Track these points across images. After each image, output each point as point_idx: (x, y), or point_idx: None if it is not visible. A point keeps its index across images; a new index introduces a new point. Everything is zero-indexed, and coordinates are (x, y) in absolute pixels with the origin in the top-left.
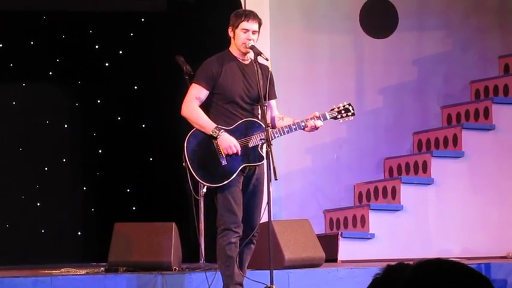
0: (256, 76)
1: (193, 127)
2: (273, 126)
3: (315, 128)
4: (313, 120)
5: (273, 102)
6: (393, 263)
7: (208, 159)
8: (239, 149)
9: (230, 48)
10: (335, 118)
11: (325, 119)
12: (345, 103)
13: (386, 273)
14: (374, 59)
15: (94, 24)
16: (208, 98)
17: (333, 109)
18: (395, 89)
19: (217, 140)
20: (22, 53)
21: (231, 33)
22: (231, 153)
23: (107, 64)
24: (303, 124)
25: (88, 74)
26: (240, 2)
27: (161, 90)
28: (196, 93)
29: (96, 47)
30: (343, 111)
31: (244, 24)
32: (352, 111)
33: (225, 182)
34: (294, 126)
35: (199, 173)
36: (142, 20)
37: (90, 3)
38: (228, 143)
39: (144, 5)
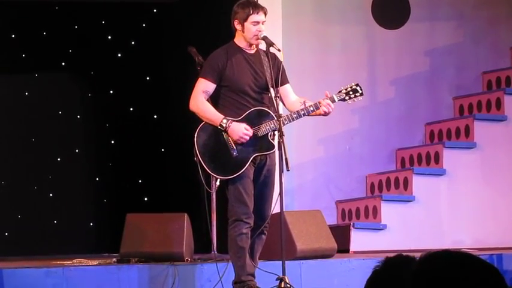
0: (263, 65)
1: (202, 121)
2: (292, 111)
3: (330, 106)
4: (326, 99)
5: (287, 87)
6: (392, 255)
7: (219, 151)
8: (250, 133)
9: (235, 40)
10: (343, 100)
11: (333, 101)
12: (353, 84)
13: (385, 265)
14: (386, 49)
15: (106, 15)
16: (217, 90)
17: (340, 91)
18: (407, 80)
19: (228, 131)
20: (34, 43)
21: (238, 26)
22: (244, 141)
23: (119, 55)
24: (312, 109)
25: (100, 64)
26: None
27: (173, 81)
28: (203, 87)
29: (109, 37)
30: (351, 92)
31: (254, 17)
32: (361, 91)
33: (238, 174)
34: (303, 112)
35: (211, 166)
36: (155, 10)
37: None
38: (238, 133)
39: None
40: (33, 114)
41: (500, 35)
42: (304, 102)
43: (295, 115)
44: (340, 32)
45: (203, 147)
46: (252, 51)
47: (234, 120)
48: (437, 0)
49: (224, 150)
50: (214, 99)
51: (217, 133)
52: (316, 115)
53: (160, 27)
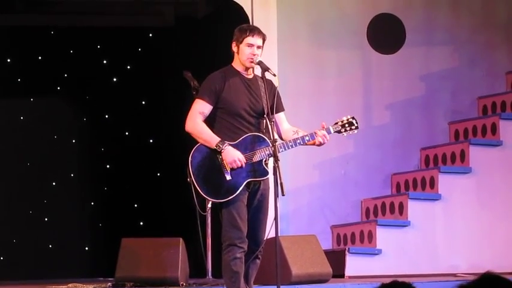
0: (260, 90)
1: (198, 142)
2: (285, 139)
3: (325, 137)
4: (322, 131)
5: (281, 115)
6: (388, 281)
7: (213, 174)
8: (244, 162)
9: (233, 64)
10: (339, 132)
11: (329, 133)
12: (349, 116)
13: None
14: (381, 74)
15: (102, 39)
16: (213, 112)
17: (336, 123)
18: (403, 105)
19: (222, 154)
20: (30, 68)
21: (235, 48)
22: (235, 167)
23: (115, 79)
24: (307, 138)
25: (96, 89)
26: (248, 17)
27: (169, 105)
28: (200, 108)
29: (104, 62)
30: (346, 125)
31: (249, 39)
32: (356, 125)
33: (230, 198)
34: (299, 141)
35: (203, 188)
36: (150, 35)
37: (98, 18)
38: (232, 157)
39: (152, 20)
40: (29, 139)
41: (496, 60)
42: (297, 131)
43: (290, 144)
44: (335, 57)
45: (197, 169)
46: (250, 76)
47: (230, 145)
48: (433, 25)
49: (218, 173)
50: (209, 122)
51: (212, 155)
52: (311, 145)
53: (156, 52)
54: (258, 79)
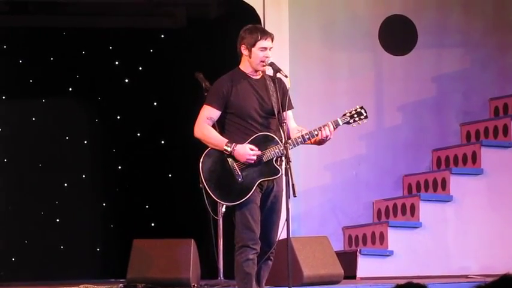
0: (268, 90)
1: (207, 147)
2: (290, 137)
3: (329, 128)
4: (326, 127)
5: (289, 113)
6: (402, 283)
7: (225, 177)
8: (258, 152)
9: (241, 66)
10: (348, 123)
11: (337, 125)
12: (357, 107)
13: None
14: (393, 76)
15: (114, 41)
16: (223, 116)
17: (344, 114)
18: (415, 106)
19: (233, 154)
20: (42, 69)
21: (245, 51)
22: (252, 162)
23: (126, 80)
24: (316, 132)
25: (108, 90)
26: (260, 19)
27: (181, 106)
28: (208, 114)
29: (116, 63)
30: (355, 115)
31: (263, 43)
32: (365, 114)
33: (243, 199)
34: (307, 136)
35: (216, 192)
36: (162, 36)
37: (110, 19)
38: (245, 155)
39: (164, 21)
40: (40, 140)
41: (508, 61)
42: (301, 131)
43: (299, 139)
44: (347, 59)
45: (208, 174)
46: (257, 77)
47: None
48: (445, 27)
49: (229, 176)
50: (221, 126)
51: (222, 159)
52: (318, 140)
53: (167, 53)
54: (266, 78)
